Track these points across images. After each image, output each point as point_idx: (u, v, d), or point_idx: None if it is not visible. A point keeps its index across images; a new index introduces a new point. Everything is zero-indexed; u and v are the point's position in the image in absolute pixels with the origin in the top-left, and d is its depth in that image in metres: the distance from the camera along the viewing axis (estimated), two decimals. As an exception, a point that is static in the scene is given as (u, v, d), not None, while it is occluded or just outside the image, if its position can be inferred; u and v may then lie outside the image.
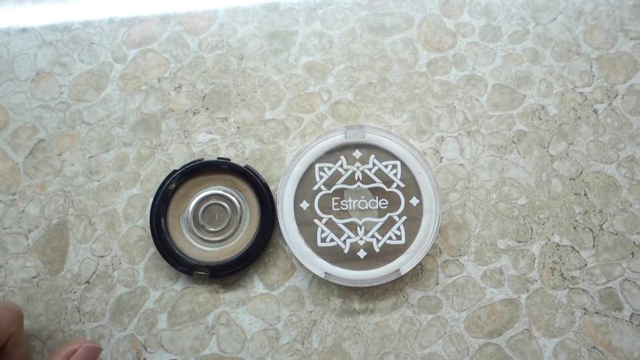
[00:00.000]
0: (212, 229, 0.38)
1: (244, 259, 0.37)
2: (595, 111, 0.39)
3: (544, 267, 0.37)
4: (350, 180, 0.37)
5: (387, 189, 0.37)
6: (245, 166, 0.38)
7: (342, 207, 0.37)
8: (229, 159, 0.38)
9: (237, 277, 0.38)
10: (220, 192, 0.38)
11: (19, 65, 0.41)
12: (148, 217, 0.38)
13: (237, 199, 0.38)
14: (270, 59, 0.40)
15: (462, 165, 0.39)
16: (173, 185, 0.37)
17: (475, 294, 0.37)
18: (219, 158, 0.38)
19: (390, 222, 0.37)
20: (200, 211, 0.38)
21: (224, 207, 0.38)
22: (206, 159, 0.38)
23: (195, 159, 0.39)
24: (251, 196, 0.38)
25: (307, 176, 0.37)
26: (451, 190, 0.38)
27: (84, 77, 0.40)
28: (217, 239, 0.38)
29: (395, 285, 0.37)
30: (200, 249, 0.38)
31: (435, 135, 0.39)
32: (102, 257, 0.38)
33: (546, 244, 0.38)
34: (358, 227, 0.37)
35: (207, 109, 0.40)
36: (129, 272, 0.38)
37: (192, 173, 0.38)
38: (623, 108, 0.39)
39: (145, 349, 0.37)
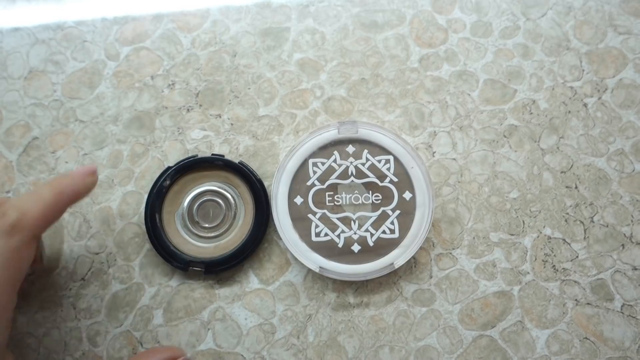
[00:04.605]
0: (206, 225, 0.38)
1: (238, 254, 0.37)
2: (585, 105, 0.40)
3: (536, 259, 0.38)
4: (344, 175, 0.37)
5: (380, 184, 0.37)
6: (239, 162, 0.38)
7: (336, 202, 0.37)
8: (223, 155, 0.38)
9: (232, 272, 0.38)
10: (215, 188, 0.38)
11: (11, 63, 0.41)
12: (142, 214, 0.38)
13: (231, 195, 0.38)
14: (263, 55, 0.41)
15: (454, 159, 0.39)
16: (167, 182, 0.38)
17: (469, 287, 0.37)
18: (213, 154, 0.39)
19: (383, 216, 0.37)
20: (194, 207, 0.38)
21: (218, 203, 0.38)
22: (200, 155, 0.39)
23: (189, 155, 0.39)
24: (245, 192, 0.38)
25: (301, 171, 0.37)
26: (444, 184, 0.39)
27: (77, 74, 0.41)
28: (212, 235, 0.38)
29: (390, 279, 0.38)
30: (195, 245, 0.38)
31: (427, 130, 0.39)
32: (97, 254, 0.38)
33: (538, 236, 0.38)
34: (352, 222, 0.37)
35: (200, 105, 0.40)
36: (124, 268, 0.38)
37: (187, 169, 0.38)
38: (612, 102, 0.39)
39: (142, 344, 0.37)
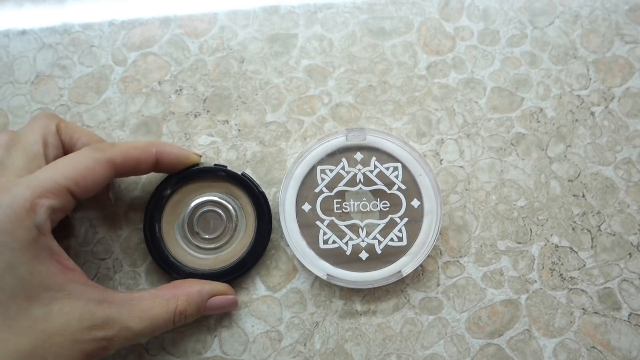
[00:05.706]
0: (207, 236, 0.37)
1: (239, 267, 0.36)
2: (592, 114, 0.40)
3: (543, 267, 0.38)
4: (352, 182, 0.37)
5: (388, 191, 0.37)
6: (242, 173, 0.38)
7: (343, 209, 0.37)
8: (226, 166, 0.38)
9: (239, 279, 0.38)
10: (216, 198, 0.38)
11: (18, 67, 0.41)
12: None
13: (232, 207, 0.38)
14: (271, 61, 0.41)
15: (462, 167, 0.39)
16: (168, 191, 0.37)
17: (476, 295, 0.37)
18: (215, 165, 0.38)
19: (391, 224, 0.37)
20: (195, 218, 0.37)
21: (219, 214, 0.37)
22: (203, 164, 0.38)
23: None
24: (247, 204, 0.38)
25: (309, 178, 0.37)
26: (451, 192, 0.39)
27: (84, 79, 0.40)
28: (212, 246, 0.37)
29: (397, 287, 0.38)
30: (195, 256, 0.37)
31: (435, 138, 0.39)
32: (104, 259, 0.38)
33: (545, 245, 0.38)
34: (360, 229, 0.37)
35: (208, 111, 0.40)
36: (131, 274, 0.38)
37: (188, 179, 0.37)
38: (619, 110, 0.40)
39: (148, 351, 0.37)
